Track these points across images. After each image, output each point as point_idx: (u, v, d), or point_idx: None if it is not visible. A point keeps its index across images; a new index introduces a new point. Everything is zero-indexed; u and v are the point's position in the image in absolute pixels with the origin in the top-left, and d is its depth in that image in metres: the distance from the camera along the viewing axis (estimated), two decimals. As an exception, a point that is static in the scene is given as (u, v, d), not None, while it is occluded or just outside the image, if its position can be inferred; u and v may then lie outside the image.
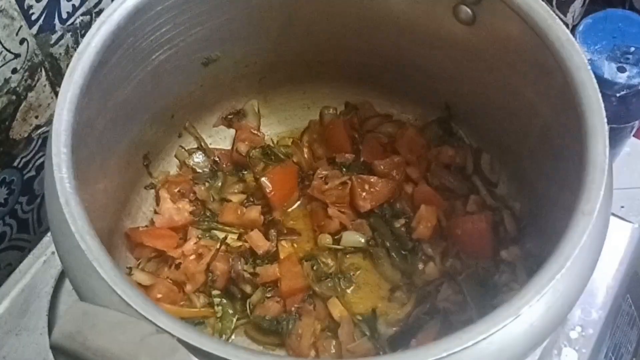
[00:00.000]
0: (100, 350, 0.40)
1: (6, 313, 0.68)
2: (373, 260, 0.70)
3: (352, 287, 0.69)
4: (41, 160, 0.77)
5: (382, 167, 0.73)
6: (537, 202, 0.65)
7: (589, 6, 1.07)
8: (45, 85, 0.73)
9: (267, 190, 0.72)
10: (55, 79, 0.74)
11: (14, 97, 0.70)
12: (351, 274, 0.70)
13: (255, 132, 0.77)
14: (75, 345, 0.41)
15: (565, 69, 0.51)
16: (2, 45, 0.65)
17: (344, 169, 0.74)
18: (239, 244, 0.70)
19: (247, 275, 0.67)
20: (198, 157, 0.75)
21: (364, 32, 0.70)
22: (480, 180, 0.73)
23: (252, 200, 0.74)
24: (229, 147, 0.77)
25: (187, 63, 0.67)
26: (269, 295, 0.68)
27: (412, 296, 0.68)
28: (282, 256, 0.69)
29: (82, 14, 0.74)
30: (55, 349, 0.42)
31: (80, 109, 0.51)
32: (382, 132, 0.77)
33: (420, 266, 0.69)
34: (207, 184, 0.74)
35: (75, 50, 0.53)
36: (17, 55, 0.68)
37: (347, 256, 0.71)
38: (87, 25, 0.75)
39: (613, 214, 0.55)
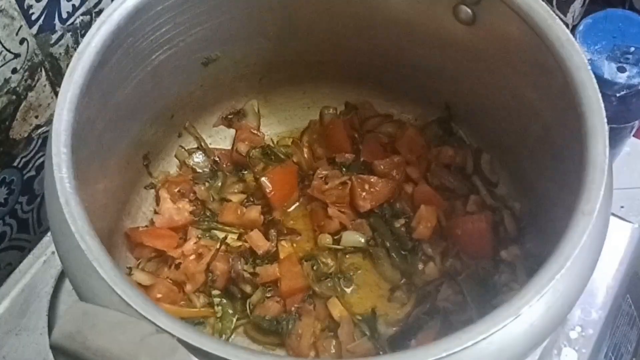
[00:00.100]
0: (100, 350, 0.40)
1: (6, 313, 0.68)
2: (373, 260, 0.70)
3: (352, 287, 0.69)
4: (41, 160, 0.77)
5: (382, 167, 0.73)
6: (537, 202, 0.65)
7: (589, 6, 1.07)
8: (45, 85, 0.73)
9: (267, 190, 0.72)
10: (55, 79, 0.74)
11: (14, 97, 0.70)
12: (351, 274, 0.70)
13: (255, 132, 0.77)
14: (75, 345, 0.41)
15: (565, 69, 0.51)
16: (2, 45, 0.65)
17: (344, 169, 0.74)
18: (239, 243, 0.70)
19: (247, 275, 0.67)
20: (198, 157, 0.75)
21: (364, 32, 0.70)
22: (480, 180, 0.73)
23: (252, 200, 0.74)
24: (229, 147, 0.77)
25: (187, 63, 0.67)
26: (268, 295, 0.68)
27: (412, 296, 0.68)
28: (282, 256, 0.69)
29: (82, 14, 0.74)
30: (55, 349, 0.42)
31: (80, 109, 0.51)
32: (382, 132, 0.77)
33: (420, 266, 0.69)
34: (207, 184, 0.74)
35: (75, 50, 0.53)
36: (17, 55, 0.68)
37: (347, 256, 0.71)
38: (87, 25, 0.75)
39: (613, 214, 0.55)
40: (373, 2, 0.66)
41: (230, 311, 0.67)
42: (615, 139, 0.76)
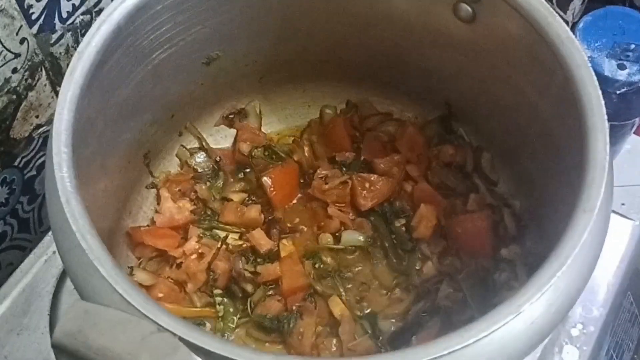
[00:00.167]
0: (101, 349, 0.40)
1: (7, 312, 0.68)
2: (373, 258, 0.70)
3: (352, 286, 0.69)
4: (42, 159, 0.77)
5: (382, 165, 0.73)
6: (538, 200, 0.65)
7: (589, 4, 1.07)
8: (45, 85, 0.73)
9: (269, 190, 0.72)
10: (56, 79, 0.74)
11: (14, 97, 0.70)
12: (352, 272, 0.70)
13: (257, 132, 0.77)
14: (77, 344, 0.41)
15: (566, 66, 0.51)
16: (3, 44, 0.65)
17: (344, 168, 0.74)
18: (240, 243, 0.70)
19: (248, 274, 0.67)
20: (200, 157, 0.75)
21: (364, 31, 0.70)
22: (480, 178, 0.73)
23: (253, 199, 0.74)
24: (230, 146, 0.77)
25: (188, 62, 0.67)
26: (270, 294, 0.68)
27: (412, 294, 0.68)
28: (283, 255, 0.69)
29: (82, 14, 0.74)
30: (56, 348, 0.42)
31: (81, 109, 0.51)
32: (382, 131, 0.77)
33: (418, 265, 0.69)
34: (208, 184, 0.74)
35: (75, 49, 0.53)
36: (17, 55, 0.68)
37: (348, 255, 0.71)
38: (87, 25, 0.75)
39: (614, 212, 0.55)
40: (373, 0, 0.66)
41: (232, 310, 0.67)
42: (616, 136, 0.76)
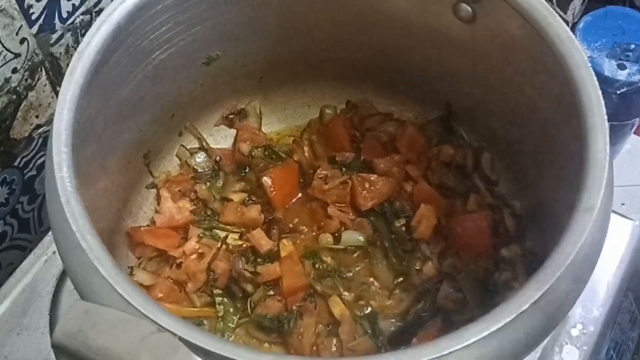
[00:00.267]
0: (101, 349, 0.40)
1: (7, 312, 0.68)
2: (373, 258, 0.70)
3: (352, 285, 0.69)
4: (42, 159, 0.77)
5: (382, 165, 0.73)
6: (538, 200, 0.65)
7: (589, 3, 1.07)
8: (45, 85, 0.73)
9: (269, 190, 0.72)
10: (56, 79, 0.74)
11: (14, 97, 0.70)
12: (352, 272, 0.70)
13: (257, 132, 0.77)
14: (77, 344, 0.41)
15: (566, 66, 0.51)
16: (2, 44, 0.65)
17: (344, 168, 0.74)
18: (240, 243, 0.70)
19: (248, 274, 0.67)
20: (200, 157, 0.75)
21: (364, 31, 0.70)
22: (480, 178, 0.73)
23: (253, 199, 0.74)
24: (230, 146, 0.77)
25: (188, 62, 0.67)
26: (270, 294, 0.68)
27: (412, 294, 0.68)
28: (283, 255, 0.69)
29: (82, 14, 0.74)
30: (56, 347, 0.42)
31: (81, 109, 0.51)
32: (382, 131, 0.77)
33: (418, 266, 0.69)
34: (208, 184, 0.74)
35: (75, 49, 0.53)
36: (17, 55, 0.68)
37: (348, 255, 0.71)
38: (87, 25, 0.75)
39: (614, 212, 0.55)
40: (373, 0, 0.66)
41: (232, 310, 0.67)
42: (616, 136, 0.76)
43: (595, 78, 0.50)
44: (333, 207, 0.71)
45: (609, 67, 0.69)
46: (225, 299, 0.68)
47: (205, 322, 0.67)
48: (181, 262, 0.68)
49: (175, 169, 0.75)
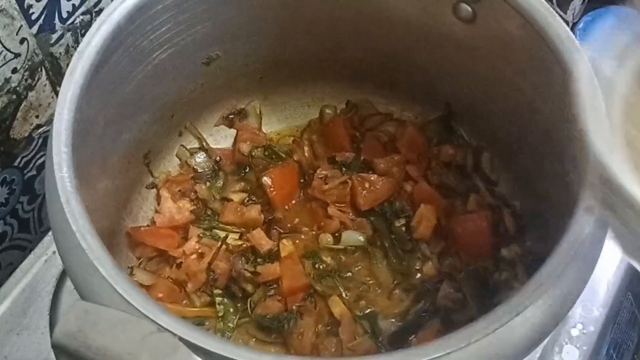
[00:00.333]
0: (101, 349, 0.40)
1: (7, 312, 0.68)
2: (373, 259, 0.70)
3: (352, 285, 0.69)
4: (42, 159, 0.77)
5: (382, 165, 0.73)
6: (538, 200, 0.65)
7: (589, 4, 1.07)
8: (45, 85, 0.73)
9: (269, 190, 0.72)
10: (56, 79, 0.74)
11: (14, 97, 0.70)
12: (352, 272, 0.70)
13: (257, 132, 0.77)
14: (77, 344, 0.41)
15: (565, 66, 0.51)
16: (2, 44, 0.65)
17: (344, 168, 0.74)
18: (240, 243, 0.70)
19: (248, 274, 0.67)
20: (200, 157, 0.75)
21: (364, 31, 0.70)
22: (480, 178, 0.73)
23: (253, 199, 0.74)
24: (230, 146, 0.77)
25: (188, 62, 0.67)
26: (270, 294, 0.68)
27: (412, 294, 0.68)
28: (283, 255, 0.69)
29: (82, 14, 0.74)
30: (56, 347, 0.42)
31: (81, 108, 0.51)
32: (382, 131, 0.77)
33: (419, 265, 0.69)
34: (208, 184, 0.74)
35: (75, 49, 0.53)
36: (17, 55, 0.68)
37: (348, 255, 0.71)
38: (87, 25, 0.75)
39: (614, 212, 0.55)
40: (373, 0, 0.66)
41: (232, 310, 0.67)
42: (616, 136, 0.76)
43: (595, 78, 0.50)
44: (333, 207, 0.71)
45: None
46: (225, 299, 0.68)
47: (205, 322, 0.67)
48: (181, 262, 0.68)
49: (175, 169, 0.75)
